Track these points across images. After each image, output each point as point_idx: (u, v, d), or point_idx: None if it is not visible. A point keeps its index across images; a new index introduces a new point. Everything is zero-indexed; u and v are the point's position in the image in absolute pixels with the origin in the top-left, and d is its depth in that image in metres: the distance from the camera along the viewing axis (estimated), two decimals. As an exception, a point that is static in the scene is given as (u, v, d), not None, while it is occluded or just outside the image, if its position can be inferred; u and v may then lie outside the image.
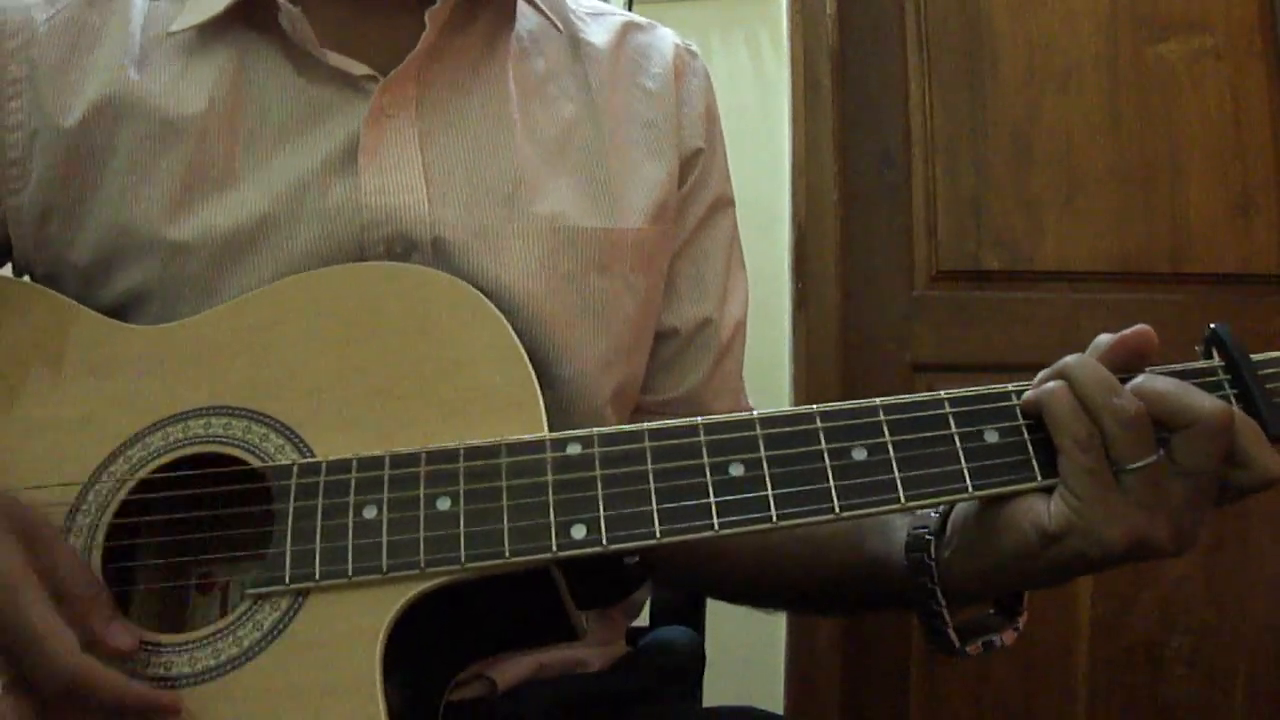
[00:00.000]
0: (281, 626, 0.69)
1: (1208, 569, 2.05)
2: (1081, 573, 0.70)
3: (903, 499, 0.69)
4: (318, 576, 0.69)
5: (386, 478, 0.72)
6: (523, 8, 0.98)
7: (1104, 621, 2.07)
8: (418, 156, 0.87)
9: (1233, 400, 0.70)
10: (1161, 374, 0.70)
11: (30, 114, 0.88)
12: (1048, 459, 0.69)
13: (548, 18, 0.99)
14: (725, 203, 1.05)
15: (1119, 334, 0.71)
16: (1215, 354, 0.72)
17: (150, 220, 0.85)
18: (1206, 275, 2.14)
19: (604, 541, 0.68)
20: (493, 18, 0.96)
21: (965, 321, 2.16)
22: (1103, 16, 2.21)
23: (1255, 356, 0.71)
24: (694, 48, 1.07)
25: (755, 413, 0.72)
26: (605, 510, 0.69)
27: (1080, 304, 2.13)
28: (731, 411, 0.73)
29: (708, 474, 0.70)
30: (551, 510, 0.69)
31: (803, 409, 0.72)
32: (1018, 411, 0.71)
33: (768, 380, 2.12)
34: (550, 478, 0.70)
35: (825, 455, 0.70)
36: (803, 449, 0.70)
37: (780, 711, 1.81)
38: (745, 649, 1.99)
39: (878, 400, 0.71)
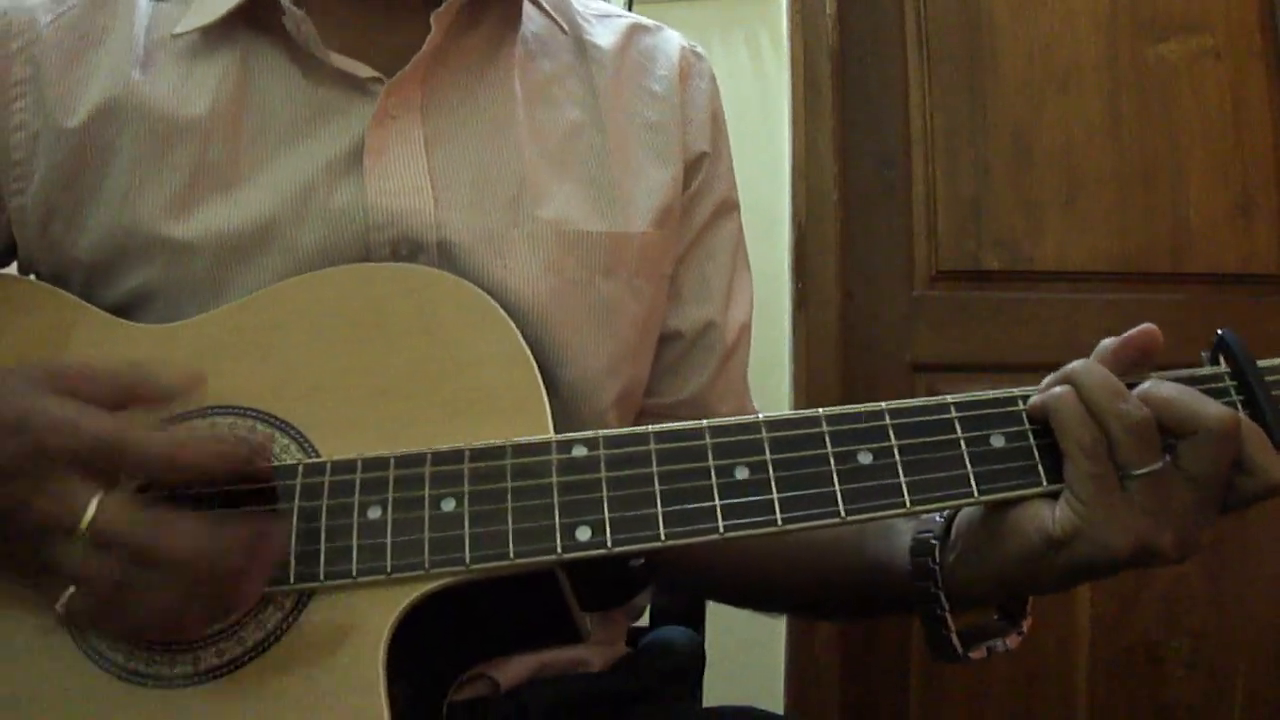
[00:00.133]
0: (285, 626, 0.69)
1: (1208, 569, 2.06)
2: (1086, 578, 0.70)
3: (908, 503, 0.69)
4: (322, 576, 0.69)
5: (391, 478, 0.71)
6: (528, 9, 0.98)
7: (1104, 621, 2.07)
8: (423, 159, 0.87)
9: (1239, 407, 0.70)
10: (1168, 380, 0.70)
11: (34, 115, 0.88)
12: (1053, 464, 0.69)
13: (554, 19, 0.99)
14: (730, 206, 1.05)
15: (1123, 335, 0.71)
16: (1222, 360, 0.72)
17: (154, 221, 0.85)
18: (1206, 275, 2.15)
19: (609, 544, 0.68)
20: (498, 20, 0.96)
21: (965, 321, 2.16)
22: (1103, 17, 2.21)
23: (1262, 363, 0.71)
24: (700, 50, 1.07)
25: (761, 416, 0.72)
26: (610, 512, 0.69)
27: (1080, 304, 2.13)
28: (735, 415, 0.73)
29: (713, 477, 0.70)
30: (556, 512, 0.69)
31: (808, 412, 0.72)
32: (1024, 416, 0.71)
33: (768, 380, 2.12)
34: (555, 479, 0.70)
35: (831, 459, 0.70)
36: (808, 452, 0.70)
37: (780, 711, 1.81)
38: (745, 649, 1.99)
39: (884, 404, 0.72)
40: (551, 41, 0.98)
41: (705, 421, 0.72)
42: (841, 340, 2.15)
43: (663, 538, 0.68)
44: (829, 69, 2.21)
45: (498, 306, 0.78)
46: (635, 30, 1.03)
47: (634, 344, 0.94)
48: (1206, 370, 0.72)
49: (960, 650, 0.76)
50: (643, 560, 0.73)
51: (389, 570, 0.69)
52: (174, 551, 0.63)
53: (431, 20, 0.88)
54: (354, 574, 0.69)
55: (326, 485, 0.72)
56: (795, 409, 2.07)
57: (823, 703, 2.06)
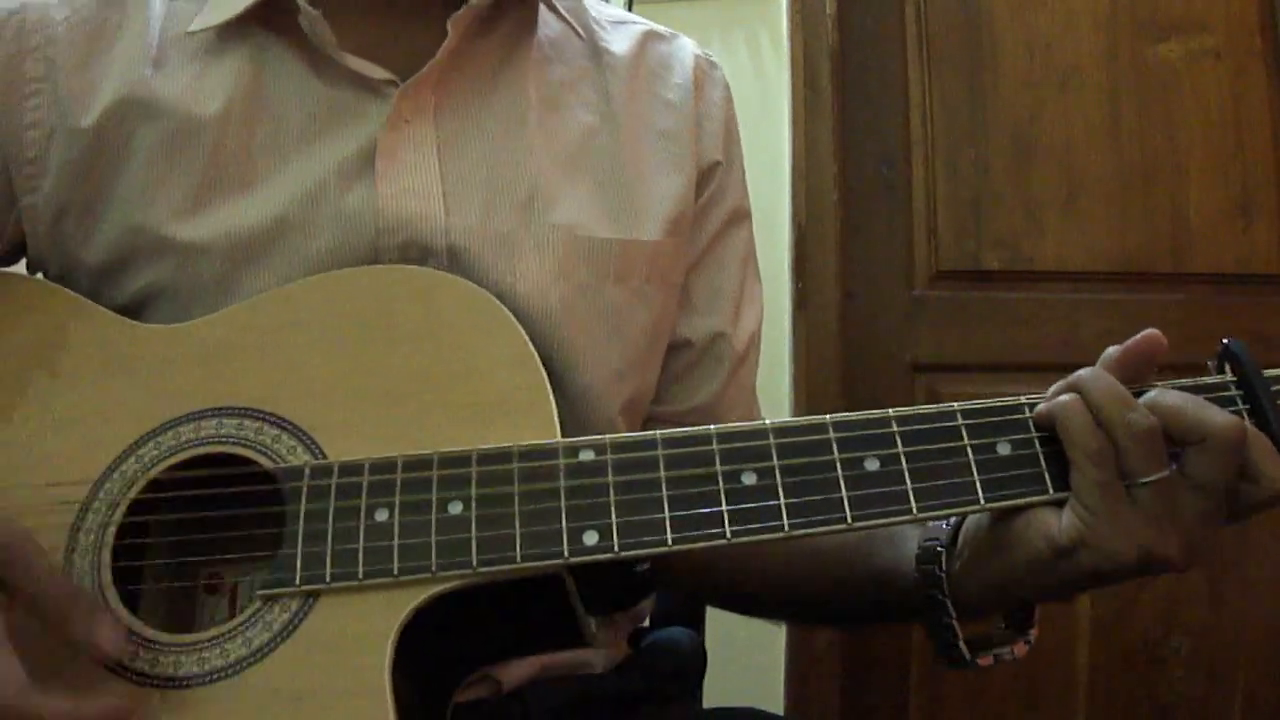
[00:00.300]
0: (291, 628, 0.69)
1: (1208, 569, 2.06)
2: (1093, 586, 0.70)
3: (915, 510, 0.69)
4: (328, 578, 0.69)
5: (399, 481, 0.71)
6: (544, 15, 0.97)
7: (1104, 621, 2.07)
8: (435, 163, 0.87)
9: (1245, 415, 0.70)
10: (1174, 388, 0.70)
11: (48, 113, 0.88)
12: (1059, 472, 0.69)
13: (570, 25, 0.98)
14: (742, 215, 1.04)
15: (1127, 342, 0.71)
16: (1228, 369, 0.72)
17: (165, 220, 0.85)
18: (1206, 275, 2.15)
19: (616, 548, 0.68)
20: (514, 24, 0.95)
21: (965, 321, 2.16)
22: (1103, 17, 2.21)
23: (1268, 372, 0.71)
24: (714, 58, 1.06)
25: (768, 421, 0.72)
26: (617, 517, 0.69)
27: (1080, 304, 2.13)
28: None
29: (720, 482, 0.70)
30: (564, 516, 0.69)
31: (816, 418, 0.72)
32: (1030, 424, 0.71)
33: (768, 380, 2.10)
34: (563, 483, 0.70)
35: (838, 465, 0.70)
36: (815, 458, 0.70)
37: (780, 711, 1.82)
38: (745, 649, 1.99)
39: (890, 411, 0.72)
40: (567, 47, 0.98)
41: (713, 427, 0.72)
42: (841, 340, 2.15)
43: (670, 543, 0.68)
44: (829, 69, 2.21)
45: (506, 310, 0.78)
46: (650, 37, 1.03)
47: (643, 351, 0.94)
48: (1212, 379, 0.72)
49: (968, 657, 0.75)
50: (648, 565, 0.73)
51: (396, 573, 0.69)
52: None
53: (449, 25, 0.87)
54: (360, 576, 0.69)
55: (334, 487, 0.72)
56: (795, 409, 2.09)
57: (823, 703, 2.06)
